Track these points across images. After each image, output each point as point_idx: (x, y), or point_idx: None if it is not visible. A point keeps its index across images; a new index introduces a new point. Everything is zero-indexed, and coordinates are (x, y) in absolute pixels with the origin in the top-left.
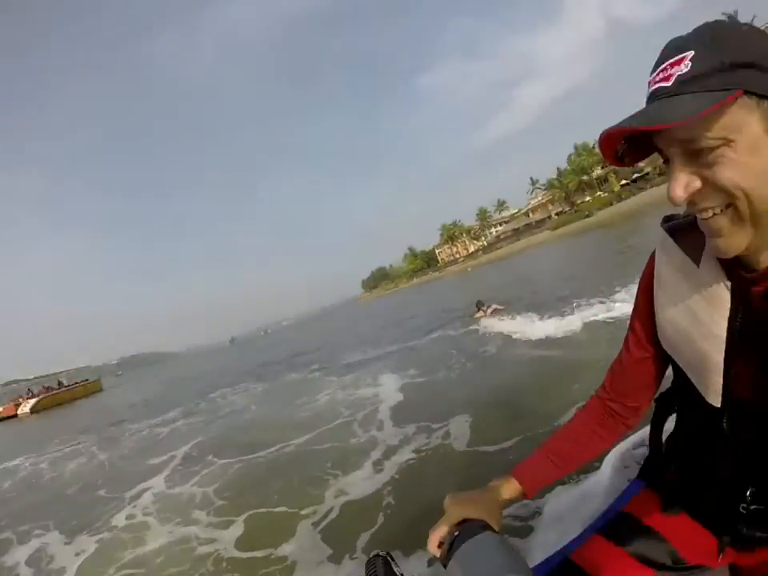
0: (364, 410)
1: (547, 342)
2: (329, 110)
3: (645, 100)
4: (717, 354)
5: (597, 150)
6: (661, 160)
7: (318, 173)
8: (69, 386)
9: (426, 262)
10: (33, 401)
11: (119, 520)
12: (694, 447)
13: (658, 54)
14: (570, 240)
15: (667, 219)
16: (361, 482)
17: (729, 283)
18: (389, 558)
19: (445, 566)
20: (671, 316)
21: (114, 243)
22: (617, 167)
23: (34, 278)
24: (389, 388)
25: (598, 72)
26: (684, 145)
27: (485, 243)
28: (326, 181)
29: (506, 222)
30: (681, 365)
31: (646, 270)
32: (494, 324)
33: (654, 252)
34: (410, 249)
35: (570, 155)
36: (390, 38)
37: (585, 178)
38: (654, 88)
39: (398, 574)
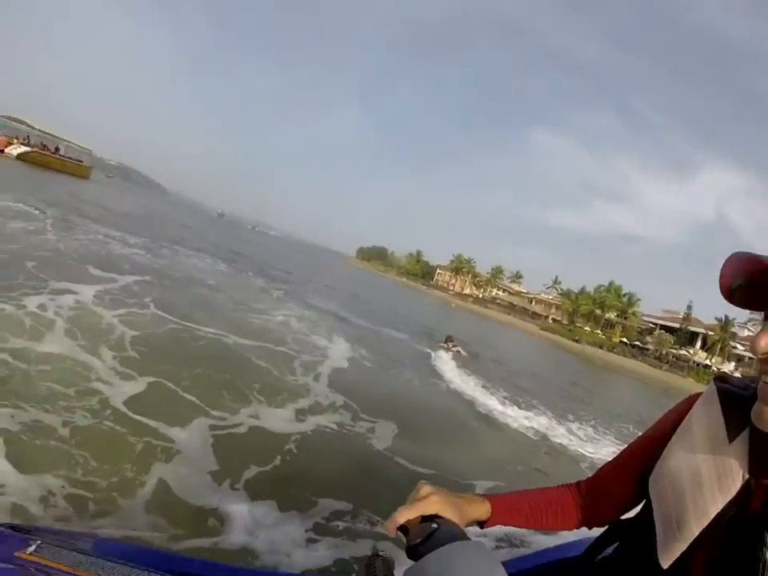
0: (310, 355)
1: (490, 418)
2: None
3: None
4: (695, 528)
5: (625, 298)
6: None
7: (388, 142)
8: (63, 156)
9: (423, 272)
10: (25, 149)
11: (29, 303)
12: None
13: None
14: (549, 348)
15: (720, 378)
16: (277, 420)
17: (747, 476)
18: (389, 558)
19: (412, 553)
20: (677, 469)
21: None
22: (726, 298)
23: None
24: (339, 351)
25: (673, 243)
26: None
27: (480, 295)
28: (390, 154)
29: (510, 293)
30: (656, 512)
31: (681, 407)
32: (456, 376)
33: (697, 397)
34: (418, 252)
35: (601, 286)
36: (535, 78)
37: (598, 311)
38: None
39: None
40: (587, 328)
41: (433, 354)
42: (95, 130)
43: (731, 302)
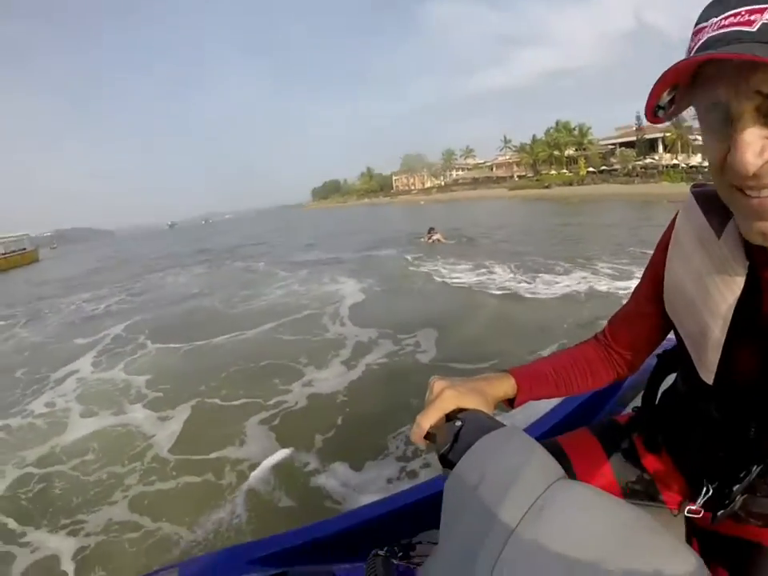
0: (328, 305)
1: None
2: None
3: (692, 48)
4: (718, 332)
5: (576, 131)
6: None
7: (288, 73)
8: (5, 253)
9: (380, 185)
10: None
11: (37, 406)
12: (682, 411)
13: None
14: (523, 203)
15: (697, 185)
16: (327, 382)
17: (747, 263)
18: (388, 555)
19: (445, 463)
20: (681, 281)
21: (60, 106)
22: (651, 123)
23: None
24: (348, 289)
25: (606, 65)
26: (766, 100)
27: (442, 183)
28: (297, 84)
29: (468, 169)
30: (681, 333)
31: (667, 229)
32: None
33: (678, 213)
34: (368, 169)
35: (550, 128)
36: None
37: (556, 153)
38: (722, 31)
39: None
40: (553, 171)
41: (423, 256)
42: (19, 211)
43: (655, 122)
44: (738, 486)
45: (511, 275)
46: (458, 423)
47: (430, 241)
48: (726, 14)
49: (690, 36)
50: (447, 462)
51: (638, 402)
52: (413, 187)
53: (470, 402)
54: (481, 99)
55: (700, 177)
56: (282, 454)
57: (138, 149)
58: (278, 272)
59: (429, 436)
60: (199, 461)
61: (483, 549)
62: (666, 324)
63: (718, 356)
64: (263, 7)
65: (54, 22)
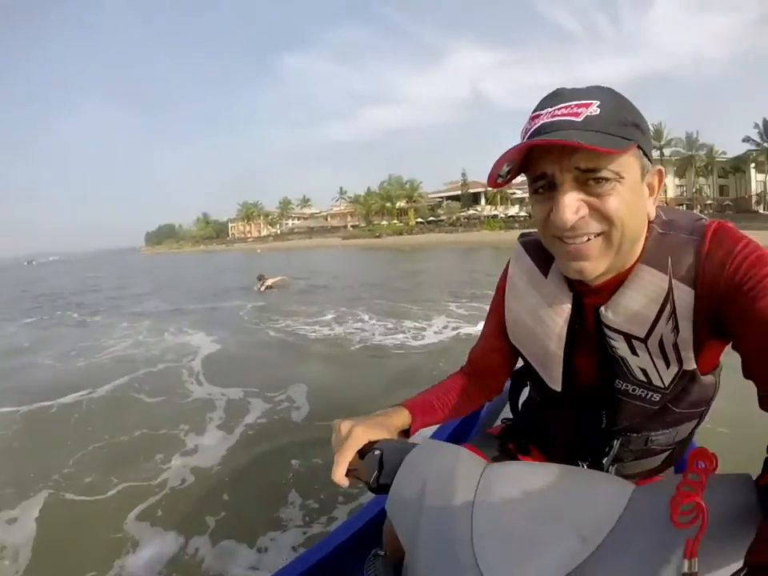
0: (182, 359)
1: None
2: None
3: (528, 129)
4: (558, 350)
5: (408, 186)
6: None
7: (129, 108)
8: None
9: (216, 232)
10: None
11: None
12: (542, 416)
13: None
14: (359, 252)
15: (523, 235)
16: (203, 451)
17: (571, 294)
18: (389, 558)
19: (378, 489)
20: (520, 316)
21: None
22: (492, 187)
23: None
24: (201, 341)
25: (442, 125)
26: (582, 173)
27: (278, 231)
28: (133, 119)
29: (304, 218)
30: (527, 356)
31: (502, 275)
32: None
33: (510, 261)
34: (204, 215)
35: (383, 182)
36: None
37: (388, 204)
38: (556, 120)
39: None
40: (384, 222)
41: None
42: None
43: (496, 187)
44: (606, 458)
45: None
46: (377, 452)
47: (263, 289)
48: (559, 105)
49: (514, 109)
50: (381, 488)
51: (505, 414)
52: (249, 235)
53: (378, 434)
54: (325, 150)
55: (516, 224)
56: (173, 549)
57: None
58: (118, 323)
59: (349, 473)
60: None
61: (455, 535)
62: (513, 353)
63: (561, 368)
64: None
65: None
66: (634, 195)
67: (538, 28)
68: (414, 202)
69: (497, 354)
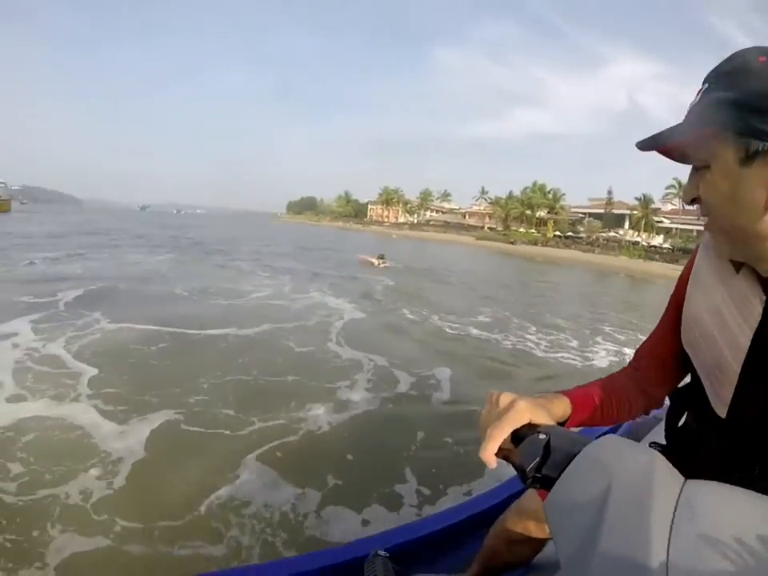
0: (325, 320)
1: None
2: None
3: None
4: (735, 365)
5: (550, 195)
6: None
7: (286, 86)
8: None
9: (355, 211)
10: None
11: None
12: (694, 452)
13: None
14: (489, 254)
15: None
16: (325, 415)
17: (764, 297)
18: (389, 558)
19: (539, 477)
20: (699, 314)
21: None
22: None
23: None
24: (344, 307)
25: (592, 135)
26: (690, 161)
27: (415, 221)
28: (292, 97)
29: (442, 212)
30: (696, 365)
31: (688, 263)
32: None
33: (697, 247)
34: (346, 193)
35: (527, 188)
36: None
37: (528, 212)
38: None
39: (395, 572)
40: (521, 229)
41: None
42: None
43: (669, 157)
44: None
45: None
46: (543, 436)
47: (380, 266)
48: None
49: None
50: (540, 480)
51: (654, 436)
52: (386, 220)
53: (541, 417)
54: (470, 146)
55: (657, 256)
56: (282, 498)
57: (118, 125)
58: (259, 272)
59: (500, 452)
60: (173, 497)
61: (647, 560)
62: (687, 359)
63: (733, 389)
64: (273, 19)
65: None
66: (726, 181)
67: (704, 42)
68: (555, 213)
69: (666, 358)
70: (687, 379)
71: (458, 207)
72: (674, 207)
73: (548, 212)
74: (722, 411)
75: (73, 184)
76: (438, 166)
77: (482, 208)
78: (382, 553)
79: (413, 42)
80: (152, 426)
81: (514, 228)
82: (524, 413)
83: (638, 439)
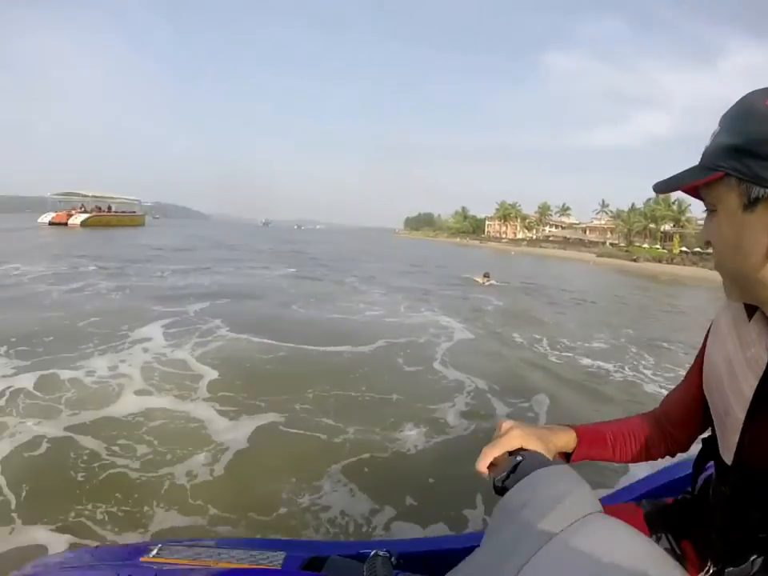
0: (434, 339)
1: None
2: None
3: None
4: (740, 412)
5: (674, 206)
6: None
7: (396, 101)
8: (117, 212)
9: (473, 227)
10: (84, 216)
11: (99, 365)
12: (712, 499)
13: None
14: (609, 272)
15: None
16: (418, 436)
17: None
18: (389, 556)
19: (499, 490)
20: (715, 361)
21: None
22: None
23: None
24: (454, 326)
25: None
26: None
27: (533, 236)
28: (402, 112)
29: (561, 227)
30: (711, 411)
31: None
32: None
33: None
34: (463, 209)
35: (649, 200)
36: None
37: (652, 226)
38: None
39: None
40: (645, 245)
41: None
42: (118, 177)
43: (699, 199)
44: (731, 568)
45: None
46: (519, 458)
47: (486, 284)
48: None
49: None
50: (502, 490)
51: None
52: (504, 235)
53: (533, 444)
54: (586, 155)
55: None
56: (357, 509)
57: (243, 144)
58: (375, 290)
59: (490, 467)
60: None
61: (511, 558)
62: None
63: (738, 436)
64: (391, 33)
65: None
66: (731, 226)
67: None
68: (681, 226)
69: (692, 404)
70: None
71: (577, 222)
72: None
73: (673, 225)
74: (728, 458)
75: (200, 201)
76: (556, 179)
77: (602, 222)
78: (382, 553)
79: (520, 50)
80: (257, 423)
81: (637, 243)
82: (515, 439)
83: (674, 486)
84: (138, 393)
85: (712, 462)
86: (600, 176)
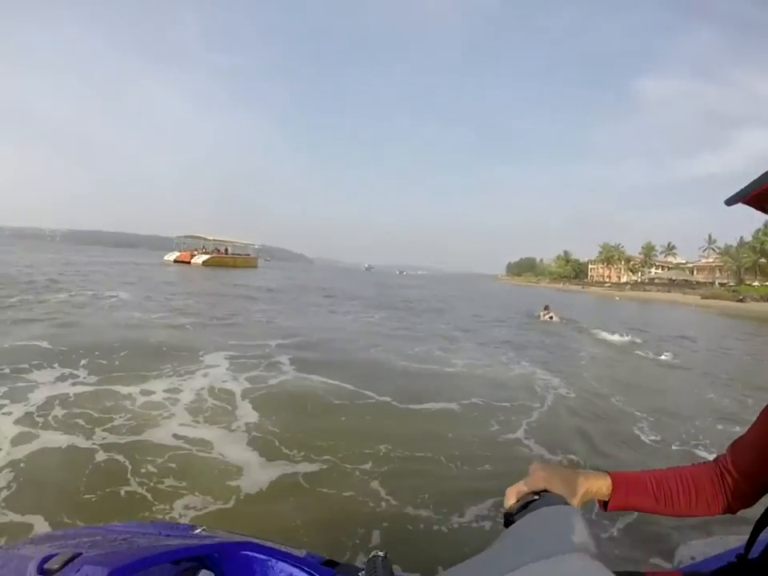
0: (528, 399)
1: None
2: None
3: None
4: None
5: None
6: None
7: (488, 141)
8: (233, 254)
9: (575, 271)
10: (205, 256)
11: (159, 387)
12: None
13: None
14: (712, 316)
15: None
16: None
17: None
18: (389, 558)
19: (508, 521)
20: None
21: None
22: None
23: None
24: (548, 384)
25: None
26: None
27: (638, 279)
28: (496, 153)
29: (668, 268)
30: None
31: None
32: None
33: None
34: (565, 253)
35: (759, 230)
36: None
37: (762, 260)
38: None
39: (396, 574)
40: (756, 283)
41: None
42: (245, 224)
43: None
44: None
45: None
46: (535, 497)
47: (546, 317)
48: None
49: None
50: (508, 522)
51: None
52: (607, 279)
53: (557, 488)
54: (689, 187)
55: None
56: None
57: (343, 187)
58: (470, 346)
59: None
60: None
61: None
62: None
63: None
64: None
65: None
66: None
67: None
68: None
69: (765, 453)
70: None
71: (684, 261)
72: None
73: None
74: None
75: (303, 244)
76: (661, 217)
77: (710, 260)
78: (381, 553)
79: (610, 79)
80: (290, 470)
81: (748, 282)
82: (539, 481)
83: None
84: (185, 419)
85: None
86: (706, 208)
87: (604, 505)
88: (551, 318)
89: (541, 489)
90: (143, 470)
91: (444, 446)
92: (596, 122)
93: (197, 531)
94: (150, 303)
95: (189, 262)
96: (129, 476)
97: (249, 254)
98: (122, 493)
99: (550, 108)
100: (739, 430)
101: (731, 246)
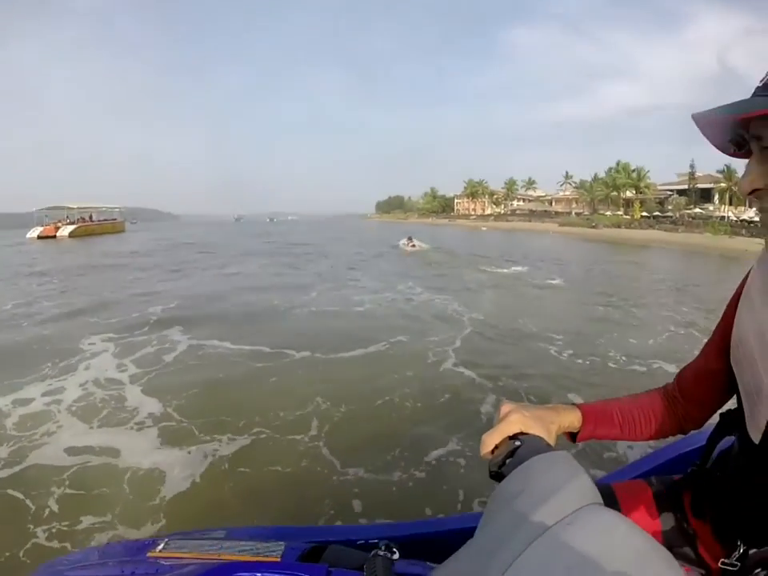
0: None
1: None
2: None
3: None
4: None
5: (634, 174)
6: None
7: (364, 83)
8: (99, 221)
9: (442, 206)
10: (71, 227)
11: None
12: (729, 478)
13: None
14: (569, 240)
15: None
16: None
17: None
18: (389, 555)
19: (495, 476)
20: (745, 334)
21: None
22: (732, 156)
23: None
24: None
25: (685, 106)
26: (760, 141)
27: (501, 211)
28: (368, 95)
29: (528, 201)
30: (740, 387)
31: (741, 283)
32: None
33: (752, 267)
34: (432, 189)
35: (611, 169)
36: None
37: (614, 194)
38: (757, 86)
39: (397, 570)
40: (608, 213)
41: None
42: (100, 185)
43: (734, 156)
44: (754, 550)
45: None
46: (517, 443)
47: (411, 246)
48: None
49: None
50: (497, 475)
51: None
52: (473, 212)
53: (533, 428)
54: (553, 129)
55: (743, 231)
56: None
57: (207, 141)
58: (360, 278)
59: (493, 451)
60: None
61: (503, 550)
62: (733, 381)
63: None
64: (354, 23)
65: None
66: None
67: None
68: (641, 193)
69: (711, 378)
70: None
71: (544, 195)
72: None
73: (636, 192)
74: (755, 436)
75: (169, 202)
76: (521, 154)
77: (568, 194)
78: (381, 553)
79: (483, 26)
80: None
81: (601, 211)
82: (513, 424)
83: (681, 462)
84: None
85: (727, 438)
86: (567, 149)
87: (571, 436)
88: (413, 246)
89: (516, 431)
90: (43, 510)
91: (386, 391)
92: (473, 68)
93: (158, 549)
94: (10, 292)
95: (54, 236)
96: (28, 524)
97: (115, 219)
98: (27, 546)
99: (431, 54)
100: (635, 343)
101: (586, 181)
